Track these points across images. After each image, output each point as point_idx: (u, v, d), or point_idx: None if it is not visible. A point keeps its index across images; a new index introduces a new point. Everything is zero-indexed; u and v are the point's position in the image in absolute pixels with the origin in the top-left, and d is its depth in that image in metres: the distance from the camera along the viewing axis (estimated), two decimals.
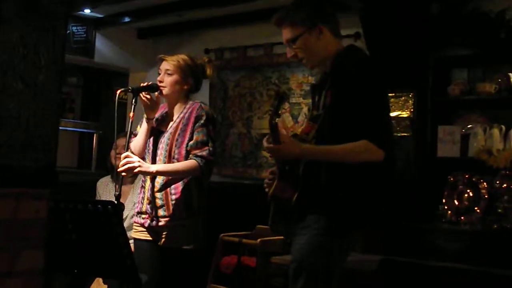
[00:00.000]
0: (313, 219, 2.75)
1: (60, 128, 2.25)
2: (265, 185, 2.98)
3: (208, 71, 3.71)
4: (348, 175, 2.73)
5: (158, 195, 3.51)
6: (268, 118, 2.75)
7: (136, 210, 3.65)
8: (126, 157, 3.40)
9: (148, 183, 3.57)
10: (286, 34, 2.97)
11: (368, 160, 2.69)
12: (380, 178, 2.77)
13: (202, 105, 3.61)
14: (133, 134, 3.61)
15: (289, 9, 2.99)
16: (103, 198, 4.69)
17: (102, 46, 7.32)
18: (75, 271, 2.94)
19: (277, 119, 2.71)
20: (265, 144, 2.83)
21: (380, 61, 3.05)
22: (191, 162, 3.47)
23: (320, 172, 2.75)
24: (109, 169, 4.98)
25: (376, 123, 2.72)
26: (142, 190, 3.62)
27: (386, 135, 2.77)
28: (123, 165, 3.39)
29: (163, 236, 3.51)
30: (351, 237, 2.84)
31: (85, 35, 7.13)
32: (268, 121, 2.76)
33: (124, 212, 4.34)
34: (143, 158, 3.57)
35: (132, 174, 3.86)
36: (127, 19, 6.99)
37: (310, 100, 3.24)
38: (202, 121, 3.53)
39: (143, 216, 3.58)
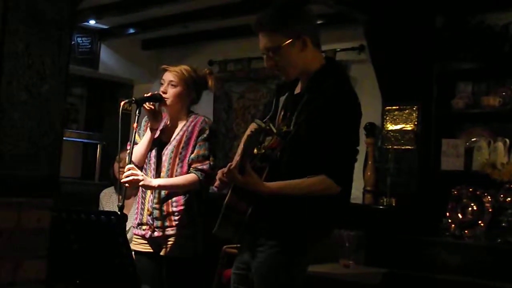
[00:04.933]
0: (269, 237, 2.71)
1: (64, 138, 2.25)
2: (215, 185, 2.85)
3: (210, 82, 3.71)
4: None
5: (159, 206, 3.52)
6: (245, 146, 2.67)
7: (136, 222, 3.65)
8: (130, 169, 3.41)
9: (148, 195, 3.57)
10: (266, 41, 2.76)
11: (322, 195, 2.64)
12: (333, 198, 2.68)
13: (206, 119, 3.62)
14: (130, 142, 3.60)
15: (272, 15, 2.77)
16: (106, 209, 4.69)
17: (107, 57, 7.34)
18: (77, 281, 2.93)
19: (256, 151, 2.64)
20: (228, 168, 2.69)
21: (351, 88, 2.89)
22: (191, 176, 3.49)
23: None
24: (112, 180, 4.97)
25: (339, 160, 2.65)
26: (141, 201, 3.62)
27: (347, 173, 2.71)
28: (127, 176, 3.39)
29: (164, 246, 3.51)
30: (310, 251, 2.79)
31: (90, 46, 7.15)
32: (244, 148, 2.66)
33: (127, 224, 4.34)
34: (142, 168, 3.57)
35: (135, 187, 3.85)
36: (131, 31, 7.02)
37: None
38: (205, 135, 3.54)
39: (144, 227, 3.58)
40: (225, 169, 2.73)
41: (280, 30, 2.73)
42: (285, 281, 2.69)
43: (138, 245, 3.61)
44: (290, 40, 2.73)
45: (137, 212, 3.65)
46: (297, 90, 2.88)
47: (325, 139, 2.63)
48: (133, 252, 3.61)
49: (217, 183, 2.85)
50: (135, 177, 3.40)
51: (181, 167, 3.52)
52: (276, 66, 2.81)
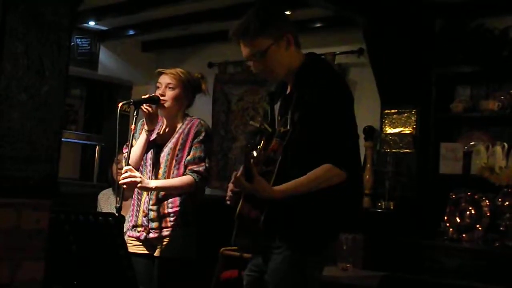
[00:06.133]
0: (284, 240, 2.72)
1: (63, 139, 2.25)
2: (227, 198, 2.86)
3: (203, 86, 3.72)
4: (316, 193, 2.66)
5: (154, 208, 3.52)
6: (245, 152, 2.68)
7: (131, 224, 3.64)
8: (128, 171, 3.41)
9: (144, 196, 3.58)
10: (251, 48, 2.77)
11: (332, 184, 2.64)
12: (346, 193, 2.70)
13: (202, 121, 3.63)
14: (126, 145, 3.60)
15: (251, 21, 2.77)
16: (104, 211, 4.68)
17: (106, 58, 7.35)
18: (75, 283, 2.92)
19: (255, 153, 2.65)
20: (234, 177, 2.70)
21: (339, 77, 2.90)
22: (187, 178, 3.50)
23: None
24: (110, 181, 4.97)
25: (340, 146, 2.66)
26: (137, 203, 3.63)
27: (350, 157, 2.70)
28: (125, 178, 3.39)
29: (159, 247, 3.52)
30: (325, 252, 2.81)
31: (89, 47, 7.16)
32: (244, 154, 2.68)
33: (125, 225, 4.34)
34: (137, 170, 3.57)
35: (133, 189, 3.85)
36: (131, 32, 7.03)
37: None
38: (201, 137, 3.55)
39: (139, 229, 3.58)
40: (233, 180, 2.75)
41: (263, 33, 2.75)
42: (301, 282, 2.71)
43: (133, 247, 3.60)
44: (274, 41, 2.75)
45: (132, 214, 3.65)
46: (288, 91, 2.89)
47: (323, 130, 2.64)
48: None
49: (228, 196, 2.86)
50: (133, 179, 3.41)
51: (178, 169, 3.53)
52: (265, 70, 2.82)
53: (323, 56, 3.18)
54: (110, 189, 4.92)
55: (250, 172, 2.60)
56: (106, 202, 4.85)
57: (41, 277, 2.09)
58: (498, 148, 4.82)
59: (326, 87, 2.71)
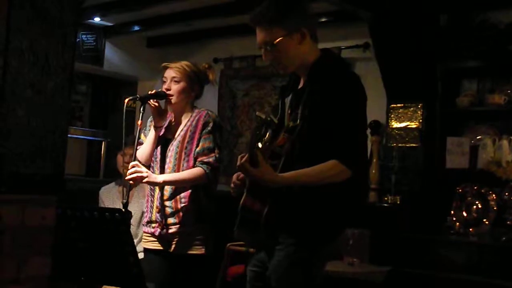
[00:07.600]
0: (287, 236, 2.71)
1: (69, 135, 2.25)
2: (232, 185, 2.87)
3: (211, 76, 3.70)
4: (319, 189, 2.65)
5: (167, 203, 3.51)
6: (251, 141, 2.67)
7: (145, 220, 3.64)
8: (134, 166, 3.40)
9: (157, 192, 3.56)
10: (264, 35, 2.75)
11: (336, 181, 2.62)
12: (350, 190, 2.69)
13: (209, 112, 3.61)
14: (139, 143, 3.59)
15: (269, 8, 2.75)
16: (107, 206, 4.69)
17: (112, 54, 7.35)
18: (82, 278, 2.93)
19: (260, 145, 2.63)
20: (239, 162, 2.66)
21: (354, 76, 2.88)
22: (197, 170, 3.47)
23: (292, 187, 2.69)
24: (116, 172, 4.97)
25: (348, 144, 2.64)
26: (150, 199, 3.61)
27: (357, 156, 2.68)
28: (132, 173, 3.39)
29: (174, 243, 3.51)
30: (328, 248, 2.80)
31: (94, 43, 7.17)
32: (250, 142, 2.68)
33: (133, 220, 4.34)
34: (149, 166, 3.56)
35: (139, 184, 3.84)
36: (136, 28, 7.03)
37: None
38: (209, 128, 3.53)
39: (153, 225, 3.57)
40: (239, 164, 2.74)
41: (278, 23, 2.73)
42: (304, 279, 2.70)
43: (148, 243, 3.61)
44: (288, 33, 2.73)
45: (147, 210, 3.65)
46: (300, 86, 2.88)
47: (332, 127, 2.63)
48: (142, 250, 3.62)
49: (233, 188, 2.87)
50: (139, 174, 3.40)
51: (187, 161, 3.51)
52: (274, 60, 2.81)
53: None
54: (112, 184, 4.94)
55: (256, 158, 2.58)
56: (108, 196, 4.85)
57: (47, 273, 2.10)
58: (505, 142, 4.81)
59: (339, 85, 2.70)
